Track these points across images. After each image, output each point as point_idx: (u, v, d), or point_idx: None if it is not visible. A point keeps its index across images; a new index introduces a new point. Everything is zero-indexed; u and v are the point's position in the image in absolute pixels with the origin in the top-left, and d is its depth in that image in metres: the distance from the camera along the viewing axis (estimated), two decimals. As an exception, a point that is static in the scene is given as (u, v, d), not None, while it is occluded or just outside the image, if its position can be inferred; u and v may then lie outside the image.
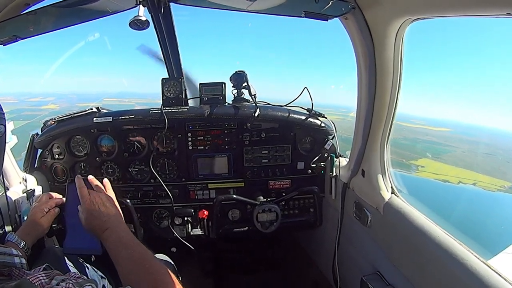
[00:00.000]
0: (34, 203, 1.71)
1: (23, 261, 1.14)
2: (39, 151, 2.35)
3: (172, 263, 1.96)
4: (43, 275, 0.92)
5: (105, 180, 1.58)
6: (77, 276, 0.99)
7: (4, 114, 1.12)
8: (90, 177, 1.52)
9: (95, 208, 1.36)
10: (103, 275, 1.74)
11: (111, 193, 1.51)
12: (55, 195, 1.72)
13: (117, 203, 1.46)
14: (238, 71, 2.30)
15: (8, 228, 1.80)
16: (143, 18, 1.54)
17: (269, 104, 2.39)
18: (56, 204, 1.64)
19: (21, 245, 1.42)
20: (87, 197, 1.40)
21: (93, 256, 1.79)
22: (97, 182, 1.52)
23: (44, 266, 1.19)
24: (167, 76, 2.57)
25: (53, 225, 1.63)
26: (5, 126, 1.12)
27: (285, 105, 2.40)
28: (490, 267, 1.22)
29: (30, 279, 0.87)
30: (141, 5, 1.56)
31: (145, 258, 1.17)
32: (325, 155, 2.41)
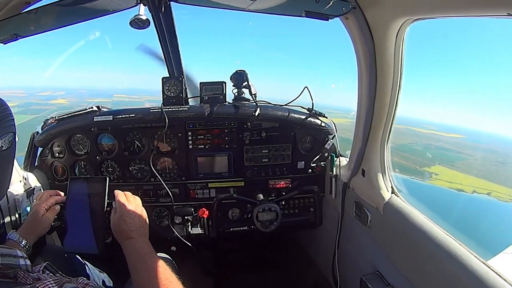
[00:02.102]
0: (34, 200, 1.71)
1: (28, 262, 1.14)
2: (39, 149, 2.35)
3: (172, 262, 1.97)
4: (52, 282, 0.91)
5: (138, 198, 1.60)
6: (85, 282, 0.99)
7: (13, 119, 1.09)
8: (128, 193, 1.57)
9: (129, 216, 1.42)
10: (100, 270, 1.75)
11: (144, 211, 1.55)
12: (56, 192, 1.72)
13: (147, 220, 1.51)
14: (239, 70, 2.30)
15: (8, 226, 1.80)
16: (144, 17, 1.53)
17: (269, 103, 2.39)
18: (57, 201, 1.64)
19: (22, 243, 1.42)
20: (125, 203, 1.46)
21: None
22: (134, 196, 1.58)
23: (45, 264, 1.20)
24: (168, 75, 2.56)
25: (53, 223, 1.63)
26: (14, 134, 1.09)
27: (286, 105, 2.40)
28: (489, 268, 1.22)
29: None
30: (141, 4, 1.55)
31: (160, 272, 1.22)
32: (325, 154, 2.41)
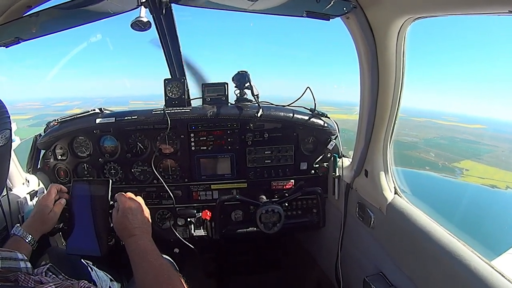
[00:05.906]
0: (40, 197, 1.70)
1: (28, 265, 1.14)
2: (42, 152, 2.36)
3: (175, 264, 1.96)
4: (53, 286, 0.91)
5: (140, 198, 1.59)
6: (86, 286, 0.99)
7: (9, 117, 1.11)
8: (129, 194, 1.56)
9: (132, 213, 1.42)
10: (112, 278, 1.75)
11: (147, 209, 1.54)
12: (61, 187, 1.69)
13: (150, 219, 1.51)
14: (241, 71, 2.30)
15: (11, 229, 1.81)
16: (145, 19, 1.53)
17: (271, 104, 2.39)
18: (61, 196, 1.62)
19: (28, 239, 1.41)
20: (127, 201, 1.46)
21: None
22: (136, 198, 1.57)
23: (48, 266, 1.19)
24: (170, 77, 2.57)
25: (55, 225, 1.63)
26: (10, 130, 1.11)
27: (288, 105, 2.39)
28: (493, 268, 1.21)
29: None
30: (142, 6, 1.55)
31: (164, 270, 1.22)
32: (328, 155, 2.40)
